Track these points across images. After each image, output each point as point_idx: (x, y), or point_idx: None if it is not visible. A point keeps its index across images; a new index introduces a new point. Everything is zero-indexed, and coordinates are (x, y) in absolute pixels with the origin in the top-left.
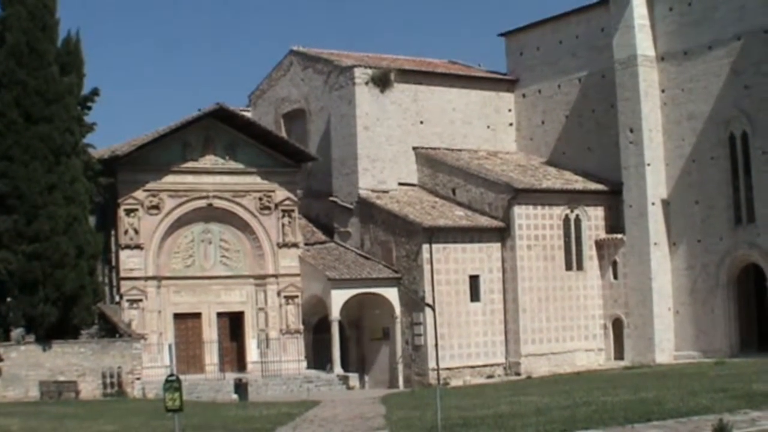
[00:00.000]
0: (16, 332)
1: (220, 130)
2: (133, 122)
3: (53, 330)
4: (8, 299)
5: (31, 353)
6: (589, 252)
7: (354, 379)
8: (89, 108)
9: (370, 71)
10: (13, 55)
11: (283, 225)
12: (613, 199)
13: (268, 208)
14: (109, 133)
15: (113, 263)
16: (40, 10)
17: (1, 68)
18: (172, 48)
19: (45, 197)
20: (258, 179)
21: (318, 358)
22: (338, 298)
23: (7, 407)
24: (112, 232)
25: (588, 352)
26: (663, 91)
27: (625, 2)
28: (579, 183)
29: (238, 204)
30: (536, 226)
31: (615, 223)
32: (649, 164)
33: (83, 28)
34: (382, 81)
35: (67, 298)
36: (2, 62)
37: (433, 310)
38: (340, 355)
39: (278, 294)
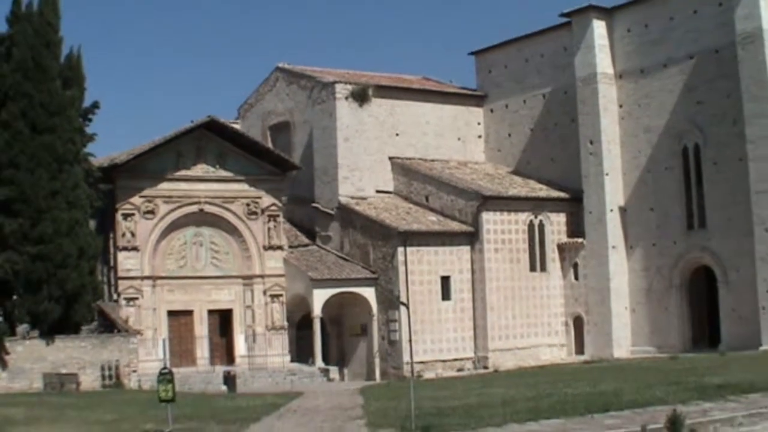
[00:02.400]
0: (22, 328)
1: (211, 141)
2: (131, 132)
3: (56, 326)
4: (14, 297)
5: (35, 347)
6: (552, 254)
7: (334, 371)
8: (90, 119)
9: (349, 87)
10: (19, 70)
11: (268, 229)
12: (574, 205)
13: (255, 213)
14: (109, 143)
15: (112, 264)
16: (44, 28)
17: (8, 82)
18: (167, 64)
19: (48, 202)
20: (246, 186)
21: (301, 352)
22: (320, 296)
23: (12, 398)
24: (111, 235)
25: (551, 347)
26: (621, 106)
27: (586, 24)
28: (543, 191)
29: (227, 209)
30: (503, 230)
31: (576, 228)
32: (607, 174)
33: (85, 45)
34: (360, 96)
35: (69, 296)
36: (9, 76)
37: (408, 308)
38: (322, 350)
39: (264, 293)
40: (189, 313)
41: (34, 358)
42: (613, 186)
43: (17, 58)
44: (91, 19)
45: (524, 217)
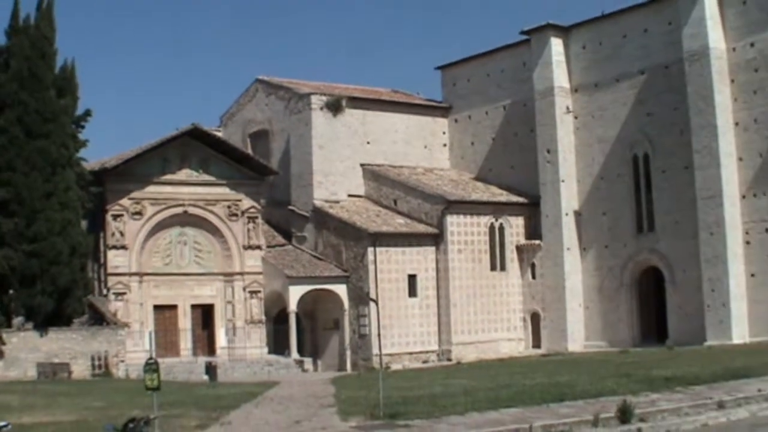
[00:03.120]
0: (17, 320)
1: (195, 147)
2: (120, 138)
3: (49, 318)
4: (10, 291)
5: (29, 338)
6: (511, 255)
7: (308, 363)
8: (82, 126)
9: (324, 98)
10: (16, 80)
11: (248, 230)
12: (532, 210)
13: (236, 215)
14: (99, 148)
15: (101, 261)
16: (40, 41)
17: (5, 90)
18: (155, 75)
19: (43, 203)
20: (227, 190)
21: (277, 344)
22: (295, 293)
23: (8, 386)
24: (101, 234)
25: (510, 341)
26: (576, 117)
27: (544, 41)
28: (503, 196)
29: (209, 211)
30: (466, 232)
31: (533, 230)
32: (563, 180)
33: (77, 54)
34: (334, 106)
35: (61, 291)
36: (6, 85)
37: (377, 304)
38: (297, 342)
39: (244, 289)
40: (173, 307)
41: (28, 349)
42: (568, 192)
43: (14, 68)
44: (84, 32)
45: (485, 220)
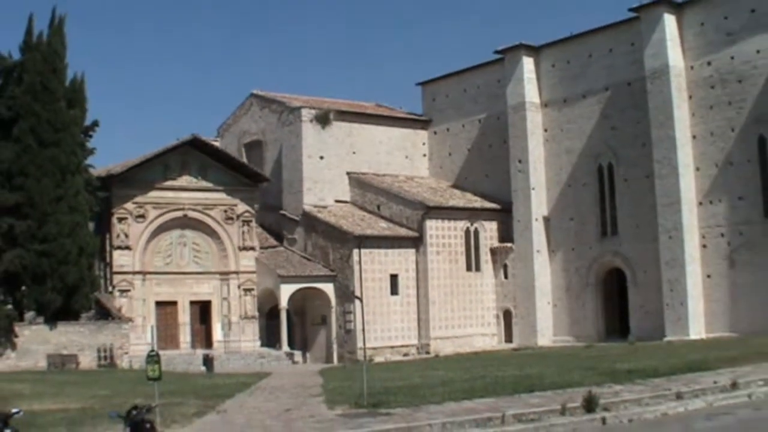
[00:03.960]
0: (29, 315)
1: (194, 156)
2: (125, 146)
3: (58, 313)
4: (22, 288)
5: (40, 332)
6: (485, 257)
7: (298, 355)
8: (90, 136)
9: (313, 111)
10: (29, 92)
11: (243, 232)
12: (504, 215)
13: (231, 218)
14: (105, 154)
15: (107, 260)
16: (51, 56)
17: (19, 102)
18: (158, 89)
19: (53, 206)
20: (224, 195)
21: (269, 338)
22: (286, 291)
23: (20, 375)
24: (107, 236)
25: (484, 336)
26: (546, 130)
27: (516, 59)
28: (478, 202)
29: (207, 215)
30: (443, 236)
31: (506, 234)
32: (533, 188)
33: (87, 69)
34: (323, 119)
35: (70, 288)
36: (20, 97)
37: (361, 301)
38: (287, 336)
39: (238, 287)
40: (174, 303)
41: (39, 341)
42: (538, 199)
43: (27, 82)
44: (92, 47)
45: (462, 224)
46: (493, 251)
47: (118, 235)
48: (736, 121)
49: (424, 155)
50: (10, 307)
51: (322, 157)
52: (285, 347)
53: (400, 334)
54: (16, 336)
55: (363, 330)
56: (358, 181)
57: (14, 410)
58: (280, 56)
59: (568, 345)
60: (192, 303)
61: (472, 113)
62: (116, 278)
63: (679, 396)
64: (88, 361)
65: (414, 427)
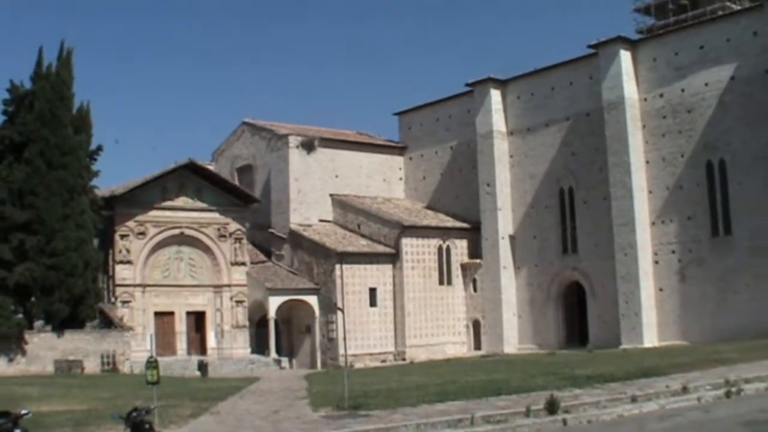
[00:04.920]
0: (38, 323)
1: (191, 178)
2: (128, 169)
3: (65, 322)
4: (32, 299)
5: (48, 339)
6: (456, 272)
7: (285, 362)
8: (95, 159)
9: (300, 138)
10: (39, 119)
11: (234, 249)
12: (473, 234)
13: (224, 236)
14: (109, 176)
15: (110, 274)
16: (60, 86)
17: (30, 128)
18: (158, 116)
19: (61, 224)
20: (217, 215)
21: (259, 345)
22: (274, 302)
23: (29, 379)
24: (110, 251)
25: (455, 344)
26: (511, 156)
27: (485, 92)
28: (449, 222)
29: (202, 232)
30: (418, 252)
31: (475, 251)
32: (500, 209)
33: (93, 97)
34: (308, 145)
35: (76, 299)
36: (31, 123)
37: (343, 312)
38: (275, 344)
39: (230, 299)
40: (171, 313)
41: (47, 347)
42: (504, 219)
43: (38, 109)
44: (98, 76)
45: (435, 242)
46: (464, 267)
47: (120, 251)
48: (685, 148)
49: (401, 179)
50: (20, 316)
51: (307, 180)
52: (273, 354)
53: (378, 342)
54: (26, 343)
55: (344, 338)
56: (340, 202)
57: (24, 411)
58: (271, 86)
59: (531, 352)
60: (188, 313)
61: (444, 141)
62: (118, 290)
63: (634, 399)
64: (92, 366)
65: (391, 427)
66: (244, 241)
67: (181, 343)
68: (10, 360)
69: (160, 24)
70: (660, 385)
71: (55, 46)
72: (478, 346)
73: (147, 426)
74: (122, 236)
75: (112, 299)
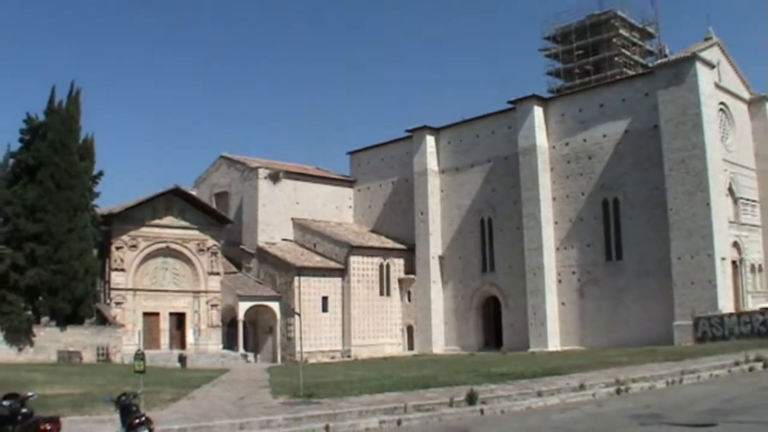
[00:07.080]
0: (44, 319)
1: (176, 201)
2: (122, 191)
3: (67, 319)
4: (40, 299)
5: (52, 333)
6: (394, 285)
7: (251, 356)
8: (97, 182)
9: (268, 171)
10: (50, 147)
11: (211, 261)
12: (409, 254)
13: (203, 250)
14: (108, 195)
15: (107, 279)
16: (68, 120)
17: (43, 154)
18: (148, 149)
19: (66, 236)
20: (197, 232)
21: (229, 342)
22: (243, 306)
23: (36, 366)
24: (107, 260)
25: (392, 345)
26: (442, 191)
27: (421, 137)
28: (389, 243)
29: (185, 247)
30: (363, 268)
31: (410, 268)
32: (431, 234)
33: (95, 128)
34: (274, 177)
35: (77, 300)
36: (43, 150)
37: (299, 316)
38: (243, 341)
39: (207, 303)
40: (156, 314)
41: (51, 340)
42: (435, 242)
43: (49, 138)
44: (101, 111)
45: (377, 260)
46: (401, 281)
47: (115, 260)
48: (586, 188)
49: (350, 207)
50: (29, 312)
51: (273, 206)
52: (241, 350)
53: (328, 341)
54: (34, 335)
55: (300, 338)
56: (299, 225)
57: (30, 394)
58: (246, 121)
59: (455, 353)
60: (171, 314)
61: (387, 176)
62: (113, 293)
63: (539, 394)
64: (89, 356)
65: (338, 413)
66: (219, 255)
67: (165, 339)
68: (20, 350)
69: (157, 61)
70: (562, 382)
71: (59, 82)
72: (411, 346)
73: (134, 408)
74: (117, 248)
75: (108, 300)
